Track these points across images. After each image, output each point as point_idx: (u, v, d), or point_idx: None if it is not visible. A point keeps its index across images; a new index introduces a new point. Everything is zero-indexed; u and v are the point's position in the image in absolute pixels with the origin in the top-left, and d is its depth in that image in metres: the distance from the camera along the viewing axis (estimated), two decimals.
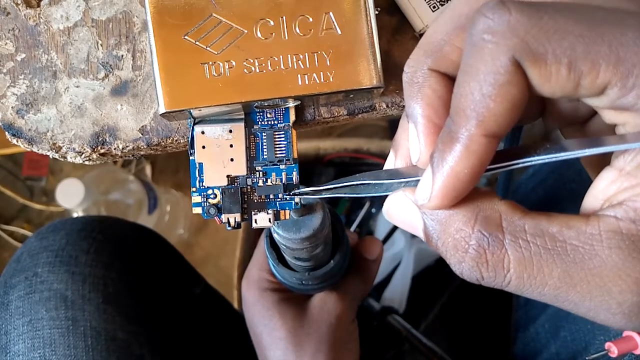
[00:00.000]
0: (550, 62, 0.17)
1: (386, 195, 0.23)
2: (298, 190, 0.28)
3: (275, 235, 0.31)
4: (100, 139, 0.30)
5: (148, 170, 1.05)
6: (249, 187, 0.28)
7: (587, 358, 0.38)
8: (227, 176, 0.29)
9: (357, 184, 0.24)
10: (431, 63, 0.21)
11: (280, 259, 0.37)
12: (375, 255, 0.43)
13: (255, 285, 0.41)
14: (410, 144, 0.22)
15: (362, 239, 0.44)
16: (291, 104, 0.29)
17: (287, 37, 0.27)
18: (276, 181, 0.28)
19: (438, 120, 0.21)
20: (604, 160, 0.20)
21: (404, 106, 0.31)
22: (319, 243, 0.32)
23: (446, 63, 0.21)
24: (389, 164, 0.25)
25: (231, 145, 0.29)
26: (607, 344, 0.34)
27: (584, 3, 0.18)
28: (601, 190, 0.20)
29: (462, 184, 0.19)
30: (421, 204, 0.20)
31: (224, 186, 0.28)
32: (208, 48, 0.27)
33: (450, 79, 0.21)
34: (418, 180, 0.21)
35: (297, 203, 0.28)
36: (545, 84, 0.18)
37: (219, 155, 0.29)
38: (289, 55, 0.27)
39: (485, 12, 0.18)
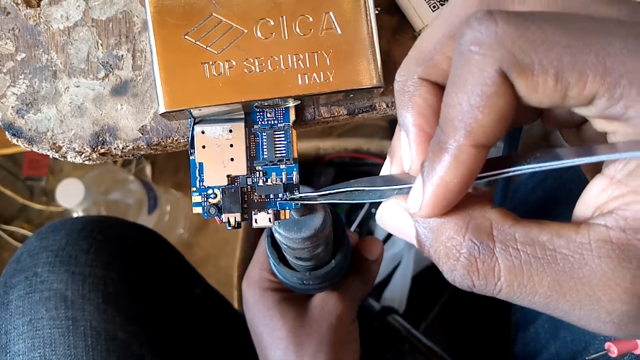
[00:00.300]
0: (537, 73, 0.17)
1: (381, 201, 0.23)
2: (295, 196, 0.28)
3: (276, 235, 0.31)
4: (100, 139, 0.30)
5: (148, 170, 1.05)
6: (249, 186, 0.28)
7: (587, 358, 0.38)
8: (227, 176, 0.29)
9: (353, 190, 0.25)
10: (422, 72, 0.21)
11: (281, 259, 0.37)
12: (375, 256, 0.43)
13: (256, 285, 0.41)
14: (402, 152, 0.22)
15: (362, 239, 0.44)
16: (291, 103, 0.29)
17: (287, 37, 0.27)
18: (276, 181, 0.28)
19: (429, 129, 0.21)
20: (600, 164, 0.20)
21: None
22: (320, 243, 0.32)
23: (437, 72, 0.21)
24: (385, 170, 0.25)
25: (231, 145, 0.29)
26: (607, 344, 0.35)
27: (572, 13, 0.18)
28: (592, 198, 0.20)
29: (452, 194, 0.19)
30: (413, 212, 0.21)
31: (224, 186, 0.28)
32: (208, 48, 0.27)
33: (440, 88, 0.21)
34: (411, 188, 0.21)
35: (297, 203, 0.28)
36: (532, 95, 0.18)
37: (219, 155, 0.29)
38: (289, 55, 0.27)
39: (472, 23, 0.18)
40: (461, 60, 0.18)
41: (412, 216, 0.21)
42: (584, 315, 0.18)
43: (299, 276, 0.37)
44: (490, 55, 0.17)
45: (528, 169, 0.19)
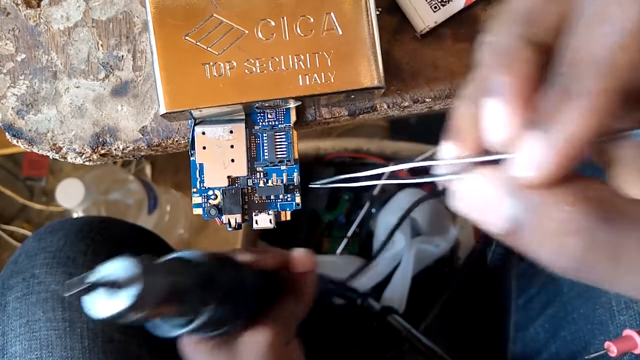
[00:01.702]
0: None
1: (429, 182, 0.20)
2: (332, 179, 0.23)
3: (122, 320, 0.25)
4: (100, 140, 0.30)
5: (148, 170, 1.05)
6: (249, 187, 0.28)
7: (586, 357, 0.38)
8: (228, 177, 0.28)
9: (405, 168, 0.21)
10: (522, 30, 0.19)
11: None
12: (306, 267, 0.41)
13: (187, 341, 0.40)
14: (492, 124, 0.19)
15: (288, 253, 0.41)
16: (292, 104, 0.29)
17: (288, 38, 0.27)
18: (277, 182, 0.28)
19: (528, 94, 0.18)
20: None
21: (405, 106, 0.31)
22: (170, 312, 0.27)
23: (538, 30, 0.19)
24: (447, 155, 0.21)
25: (232, 146, 0.29)
26: (607, 344, 0.35)
27: None
28: None
29: (575, 151, 0.16)
30: (522, 175, 0.17)
31: (225, 187, 0.28)
32: (209, 48, 0.27)
33: (541, 49, 0.19)
34: (481, 161, 0.18)
35: (298, 204, 0.28)
36: None
37: (220, 156, 0.29)
38: (290, 56, 0.27)
39: None
40: None
41: (512, 187, 0.18)
42: None
43: (204, 330, 0.32)
44: None
45: None
